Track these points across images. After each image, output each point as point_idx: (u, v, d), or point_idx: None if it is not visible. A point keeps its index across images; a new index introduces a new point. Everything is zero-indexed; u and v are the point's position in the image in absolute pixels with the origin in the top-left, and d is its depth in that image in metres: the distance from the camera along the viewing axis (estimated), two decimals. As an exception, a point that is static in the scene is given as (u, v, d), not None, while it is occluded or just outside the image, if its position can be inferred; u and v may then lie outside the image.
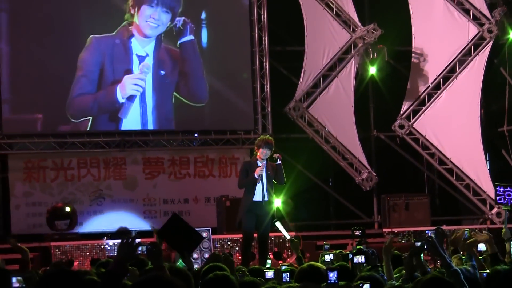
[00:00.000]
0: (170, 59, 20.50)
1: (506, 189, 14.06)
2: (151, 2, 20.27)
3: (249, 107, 21.00)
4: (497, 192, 14.52)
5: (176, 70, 20.57)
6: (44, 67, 19.96)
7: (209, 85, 20.83)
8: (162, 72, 20.38)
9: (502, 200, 14.09)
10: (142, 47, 20.28)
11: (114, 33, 20.17)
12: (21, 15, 20.00)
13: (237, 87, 21.10)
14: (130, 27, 20.23)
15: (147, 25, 20.25)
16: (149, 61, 20.19)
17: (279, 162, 13.88)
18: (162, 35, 20.37)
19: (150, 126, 20.56)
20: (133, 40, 20.24)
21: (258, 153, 13.89)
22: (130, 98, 20.13)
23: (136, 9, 20.19)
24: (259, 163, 13.80)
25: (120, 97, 20.00)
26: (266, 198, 13.92)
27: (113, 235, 19.04)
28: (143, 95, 20.21)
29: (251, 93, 20.98)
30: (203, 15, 21.05)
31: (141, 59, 20.18)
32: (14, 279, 6.21)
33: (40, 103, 20.15)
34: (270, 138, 14.49)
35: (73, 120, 20.07)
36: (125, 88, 20.05)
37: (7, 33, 19.91)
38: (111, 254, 17.06)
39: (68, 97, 19.94)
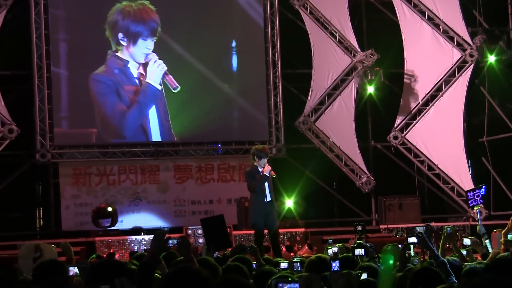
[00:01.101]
0: (174, 88, 20.29)
1: (474, 192, 14.06)
2: (145, 36, 20.15)
3: (264, 121, 20.99)
4: (468, 197, 14.50)
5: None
6: (88, 89, 20.03)
7: (232, 103, 20.94)
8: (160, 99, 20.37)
9: (474, 202, 14.08)
10: (138, 70, 20.13)
11: (105, 66, 20.01)
12: (76, 44, 20.09)
13: (254, 105, 21.08)
14: (118, 53, 20.03)
15: (143, 55, 20.11)
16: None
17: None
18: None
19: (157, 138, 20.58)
20: (129, 66, 20.06)
21: (258, 162, 13.94)
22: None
23: (130, 43, 20.01)
24: (259, 169, 13.89)
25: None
26: (269, 199, 14.04)
27: (149, 231, 19.07)
28: (147, 117, 20.31)
29: (266, 109, 20.99)
30: (233, 43, 21.06)
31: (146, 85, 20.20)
32: (71, 268, 6.26)
33: (88, 120, 20.24)
34: (266, 147, 14.78)
35: (127, 135, 20.16)
36: (154, 75, 20.10)
37: (66, 60, 19.99)
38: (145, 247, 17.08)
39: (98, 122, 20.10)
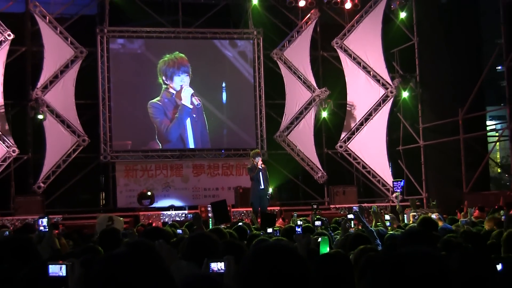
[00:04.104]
0: (196, 104, 20.30)
1: (397, 183, 14.56)
2: (178, 73, 20.15)
3: (253, 135, 21.07)
4: (394, 185, 15.02)
5: (200, 112, 20.36)
6: (134, 113, 20.01)
7: (232, 123, 20.85)
8: (194, 115, 20.29)
9: (396, 189, 14.60)
10: (179, 100, 20.10)
11: (160, 97, 20.02)
12: (120, 82, 20.10)
13: (247, 124, 21.15)
14: (169, 89, 20.05)
15: (180, 86, 20.14)
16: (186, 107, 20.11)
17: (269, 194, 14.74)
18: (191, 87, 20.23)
19: (193, 145, 20.51)
20: (174, 97, 20.10)
21: (254, 161, 14.26)
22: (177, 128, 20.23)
23: (170, 81, 20.09)
24: (256, 165, 14.17)
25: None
26: (263, 187, 14.19)
27: (176, 208, 19.07)
28: (185, 127, 20.16)
29: (254, 127, 21.07)
30: (223, 84, 21.07)
31: (181, 106, 20.14)
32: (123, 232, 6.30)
33: (131, 134, 20.23)
34: (258, 150, 15.08)
35: (171, 140, 20.03)
36: (185, 98, 20.05)
37: (114, 95, 19.99)
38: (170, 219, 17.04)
39: (156, 132, 20.02)
